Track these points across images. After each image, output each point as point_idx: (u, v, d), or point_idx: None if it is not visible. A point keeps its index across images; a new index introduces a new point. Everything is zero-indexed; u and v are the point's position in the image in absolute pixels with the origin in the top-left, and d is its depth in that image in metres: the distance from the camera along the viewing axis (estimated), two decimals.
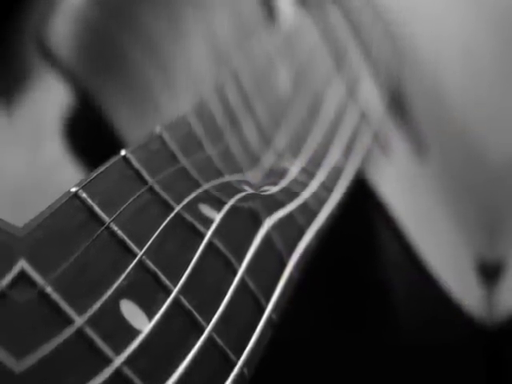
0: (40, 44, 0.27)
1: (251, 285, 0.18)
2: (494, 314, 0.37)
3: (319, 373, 0.31)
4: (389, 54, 0.46)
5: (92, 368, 0.13)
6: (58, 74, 0.27)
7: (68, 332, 0.13)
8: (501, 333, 0.36)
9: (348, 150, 0.32)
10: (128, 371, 0.13)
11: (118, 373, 0.13)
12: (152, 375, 0.14)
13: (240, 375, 0.15)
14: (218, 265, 0.17)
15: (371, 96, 0.40)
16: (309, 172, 0.27)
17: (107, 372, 0.13)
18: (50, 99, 0.28)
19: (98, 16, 0.29)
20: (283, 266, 0.20)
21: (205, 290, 0.16)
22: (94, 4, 0.29)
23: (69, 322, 0.13)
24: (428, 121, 0.46)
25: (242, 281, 0.17)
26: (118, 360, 0.13)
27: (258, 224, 0.20)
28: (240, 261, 0.18)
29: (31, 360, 0.12)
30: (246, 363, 0.15)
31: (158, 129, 0.19)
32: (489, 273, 0.40)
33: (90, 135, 0.28)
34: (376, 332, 0.33)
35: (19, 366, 0.12)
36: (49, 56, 0.27)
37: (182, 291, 0.15)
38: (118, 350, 0.13)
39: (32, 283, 0.13)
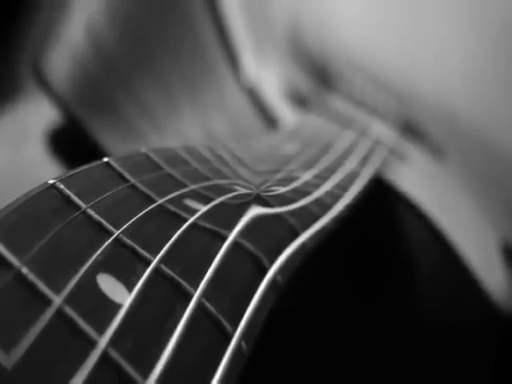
0: (36, 72, 0.28)
1: (249, 246, 0.15)
2: None
3: (327, 345, 0.27)
4: (395, 105, 0.46)
5: (78, 353, 0.11)
6: (50, 100, 0.28)
7: (48, 314, 0.11)
8: None
9: (364, 161, 0.30)
10: (114, 354, 0.11)
11: (104, 357, 0.11)
12: (140, 356, 0.11)
13: (237, 349, 0.13)
14: (205, 236, 0.15)
15: (383, 131, 0.40)
16: (322, 177, 0.25)
17: (94, 356, 0.11)
18: (38, 113, 0.29)
19: (96, 66, 0.29)
20: (295, 235, 0.18)
21: (190, 257, 0.14)
22: (92, 51, 0.29)
23: (48, 302, 0.11)
24: (443, 135, 0.45)
25: (236, 243, 0.15)
26: (103, 341, 0.11)
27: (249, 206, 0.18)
28: (231, 228, 0.15)
29: (19, 352, 0.11)
30: (244, 335, 0.13)
31: (143, 148, 0.19)
32: None
33: (75, 149, 0.28)
34: (395, 308, 0.30)
35: (10, 360, 0.10)
36: (44, 85, 0.28)
37: (162, 260, 0.13)
38: (101, 329, 0.11)
39: (8, 266, 0.12)
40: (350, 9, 0.49)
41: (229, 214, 0.17)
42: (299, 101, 0.41)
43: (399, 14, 0.50)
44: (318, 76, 0.45)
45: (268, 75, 0.40)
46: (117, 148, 0.28)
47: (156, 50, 0.34)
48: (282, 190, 0.21)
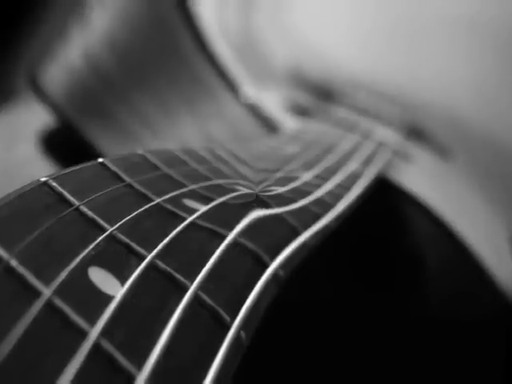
0: (32, 78, 0.28)
1: (249, 244, 0.15)
2: None
3: (335, 338, 0.26)
4: (399, 113, 0.46)
5: (70, 344, 0.11)
6: (44, 105, 0.28)
7: (38, 306, 0.11)
8: None
9: (367, 162, 0.30)
10: (107, 345, 0.11)
11: (96, 348, 0.11)
12: (133, 347, 0.11)
13: (236, 339, 0.12)
14: (203, 234, 0.14)
15: (387, 133, 0.40)
16: (323, 177, 0.25)
17: (86, 347, 0.11)
18: (31, 115, 0.29)
19: (93, 82, 0.30)
20: (296, 234, 0.17)
21: (187, 253, 0.13)
22: (89, 71, 0.30)
23: (37, 294, 0.11)
24: (449, 137, 0.44)
25: (236, 241, 0.15)
26: (95, 332, 0.11)
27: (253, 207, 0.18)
28: (231, 228, 0.15)
29: (9, 345, 0.10)
30: (243, 325, 0.12)
31: (139, 150, 0.19)
32: None
33: (69, 151, 0.28)
34: (404, 302, 0.29)
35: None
36: (39, 91, 0.28)
37: (158, 256, 0.13)
38: (93, 320, 0.11)
39: None
40: (350, 40, 0.50)
41: (229, 214, 0.16)
42: (301, 112, 0.41)
43: (400, 33, 0.50)
44: (321, 94, 0.45)
45: (268, 95, 0.40)
46: (113, 152, 0.28)
47: (153, 75, 0.34)
48: (281, 189, 0.21)
